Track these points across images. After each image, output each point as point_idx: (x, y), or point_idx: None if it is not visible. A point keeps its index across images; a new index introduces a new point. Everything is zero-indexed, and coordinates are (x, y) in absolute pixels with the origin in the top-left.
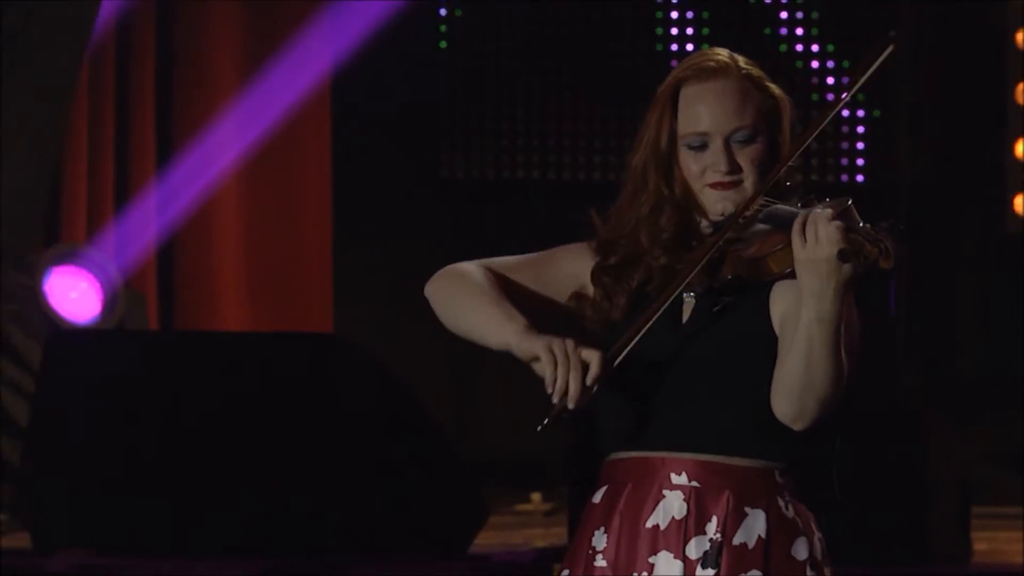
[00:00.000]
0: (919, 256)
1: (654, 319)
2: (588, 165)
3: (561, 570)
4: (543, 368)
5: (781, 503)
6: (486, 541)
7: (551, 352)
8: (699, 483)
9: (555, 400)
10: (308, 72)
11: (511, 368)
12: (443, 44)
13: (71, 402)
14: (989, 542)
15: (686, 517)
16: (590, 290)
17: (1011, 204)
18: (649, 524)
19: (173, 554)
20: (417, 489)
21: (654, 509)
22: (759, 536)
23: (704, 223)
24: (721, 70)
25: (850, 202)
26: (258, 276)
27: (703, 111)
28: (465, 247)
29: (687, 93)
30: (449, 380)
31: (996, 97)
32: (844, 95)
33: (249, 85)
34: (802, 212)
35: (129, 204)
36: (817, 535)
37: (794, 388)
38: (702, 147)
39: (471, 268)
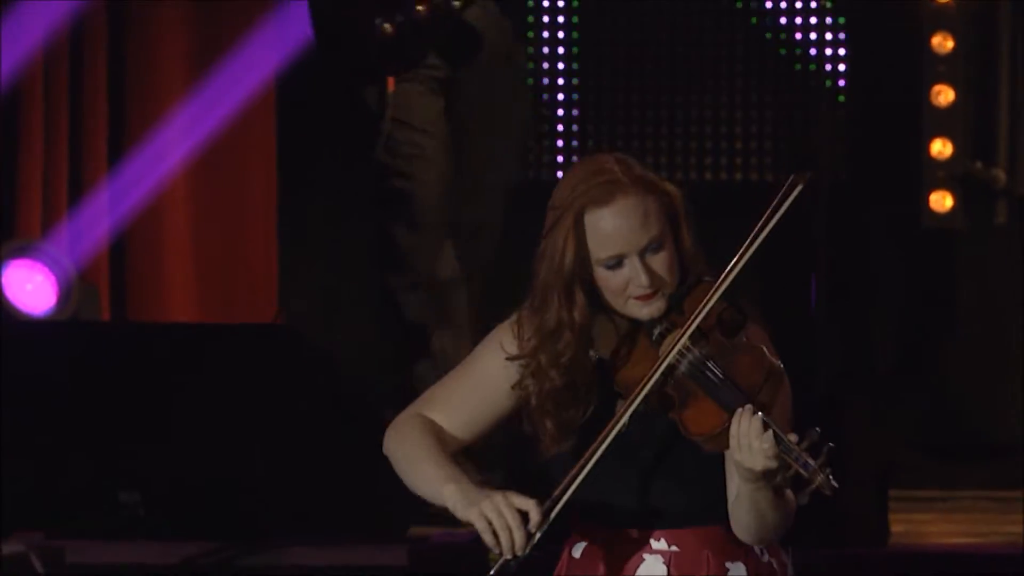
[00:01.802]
0: (838, 252)
1: (593, 461)
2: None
3: None
4: (480, 531)
5: (756, 551)
6: (424, 524)
7: (484, 519)
8: (678, 547)
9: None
10: (254, 74)
11: (455, 359)
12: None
13: (26, 389)
14: (906, 524)
15: None
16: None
17: (927, 201)
18: None
19: (122, 537)
20: (360, 475)
21: (637, 570)
22: None
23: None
24: (618, 187)
25: (783, 375)
26: (206, 269)
27: (613, 235)
28: None
29: (591, 219)
30: (392, 368)
31: (912, 98)
32: (752, 239)
33: (197, 87)
34: (724, 379)
35: (82, 201)
36: (789, 566)
37: (749, 529)
38: (618, 265)
39: (416, 424)
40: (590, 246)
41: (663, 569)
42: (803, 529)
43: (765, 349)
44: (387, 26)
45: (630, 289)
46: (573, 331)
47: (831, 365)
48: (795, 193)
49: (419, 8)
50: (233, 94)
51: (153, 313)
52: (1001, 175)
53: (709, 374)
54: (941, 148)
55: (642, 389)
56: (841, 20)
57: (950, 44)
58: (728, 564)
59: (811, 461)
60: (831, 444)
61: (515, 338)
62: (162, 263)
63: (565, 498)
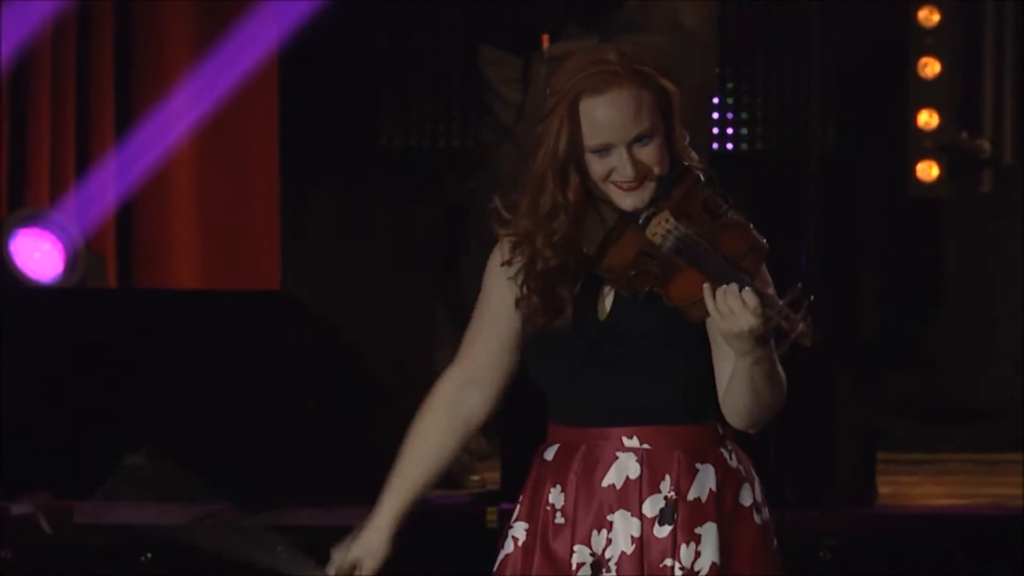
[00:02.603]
0: (826, 221)
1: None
2: None
3: (514, 519)
4: None
5: (725, 454)
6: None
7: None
8: (650, 445)
9: None
10: (256, 47)
11: (448, 327)
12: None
13: (34, 355)
14: (892, 486)
15: (640, 476)
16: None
17: (914, 171)
18: (605, 484)
19: (125, 498)
20: (359, 439)
21: (608, 470)
22: (710, 489)
23: (608, 213)
24: (615, 79)
25: (751, 226)
26: (210, 238)
27: (604, 123)
28: (401, 210)
29: (585, 107)
30: (389, 336)
31: (899, 70)
32: None
33: (202, 60)
34: (709, 252)
35: (89, 170)
36: (756, 479)
37: (743, 412)
38: (606, 153)
39: (429, 403)
40: (584, 132)
41: (636, 467)
42: (793, 489)
43: (750, 224)
44: None
45: (613, 176)
46: (567, 212)
47: (819, 331)
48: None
49: None
50: (237, 66)
51: (158, 280)
52: (986, 145)
53: (694, 247)
54: (928, 119)
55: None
56: None
57: (936, 18)
58: (698, 465)
59: (792, 313)
60: (812, 297)
61: (506, 252)
62: (167, 231)
63: None
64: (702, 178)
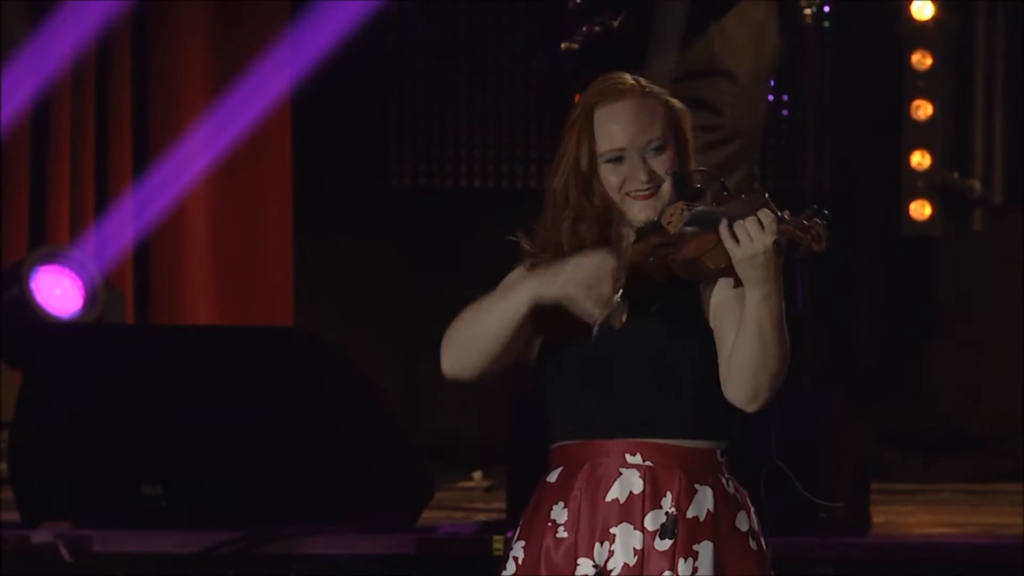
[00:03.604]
0: (822, 258)
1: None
2: (525, 174)
3: (515, 540)
4: (577, 300)
5: (723, 480)
6: (431, 515)
7: (575, 283)
8: (652, 463)
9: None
10: (270, 89)
11: None
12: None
13: (54, 389)
14: (886, 515)
15: (643, 492)
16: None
17: (907, 210)
18: (609, 498)
19: (143, 527)
20: (371, 468)
21: (612, 485)
22: (708, 510)
23: (626, 231)
24: (628, 91)
25: (767, 195)
26: (225, 275)
27: (617, 129)
28: (414, 250)
29: (600, 115)
30: (399, 369)
31: (893, 112)
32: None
33: (217, 101)
34: (725, 210)
35: (108, 210)
36: (752, 508)
37: (749, 370)
38: (619, 160)
39: (456, 318)
40: (597, 140)
41: (640, 483)
42: (787, 518)
43: (767, 195)
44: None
45: (627, 185)
46: (593, 218)
47: (816, 363)
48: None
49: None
50: (250, 108)
51: (174, 317)
52: (977, 185)
53: (709, 214)
54: (920, 159)
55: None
56: None
57: (929, 61)
58: (697, 486)
59: (805, 221)
60: (826, 212)
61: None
62: (183, 269)
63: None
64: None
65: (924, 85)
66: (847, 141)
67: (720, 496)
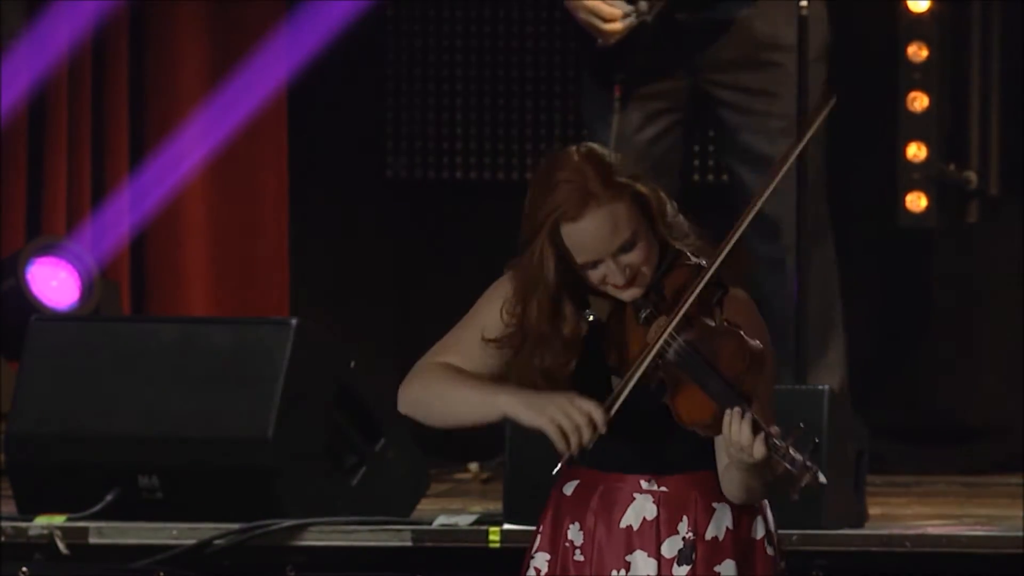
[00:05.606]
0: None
1: (635, 379)
2: (521, 166)
3: (535, 550)
4: (551, 436)
5: None
6: (427, 506)
7: (554, 423)
8: (667, 488)
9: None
10: (266, 81)
11: None
12: (388, 52)
13: (51, 380)
14: (882, 507)
15: (657, 517)
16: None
17: (903, 201)
18: (623, 524)
19: (139, 519)
20: (367, 460)
21: (626, 511)
22: (727, 528)
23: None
24: (591, 198)
25: (760, 355)
26: (221, 266)
27: (587, 245)
28: (408, 241)
29: (567, 232)
30: (395, 361)
31: (890, 104)
32: (796, 148)
33: (213, 93)
34: (715, 391)
35: (104, 201)
36: (767, 510)
37: (739, 498)
38: (595, 266)
39: (434, 367)
40: (571, 251)
41: (653, 509)
42: (785, 511)
43: (743, 334)
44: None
45: (607, 281)
46: (557, 346)
47: (810, 356)
48: (829, 106)
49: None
50: (247, 100)
51: (171, 307)
52: (973, 177)
53: (695, 362)
54: (916, 151)
55: (633, 374)
56: None
57: (925, 53)
58: (715, 504)
59: (799, 457)
60: (816, 440)
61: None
62: (179, 260)
63: (621, 399)
64: (691, 257)
65: (920, 77)
66: (846, 133)
67: (738, 509)
